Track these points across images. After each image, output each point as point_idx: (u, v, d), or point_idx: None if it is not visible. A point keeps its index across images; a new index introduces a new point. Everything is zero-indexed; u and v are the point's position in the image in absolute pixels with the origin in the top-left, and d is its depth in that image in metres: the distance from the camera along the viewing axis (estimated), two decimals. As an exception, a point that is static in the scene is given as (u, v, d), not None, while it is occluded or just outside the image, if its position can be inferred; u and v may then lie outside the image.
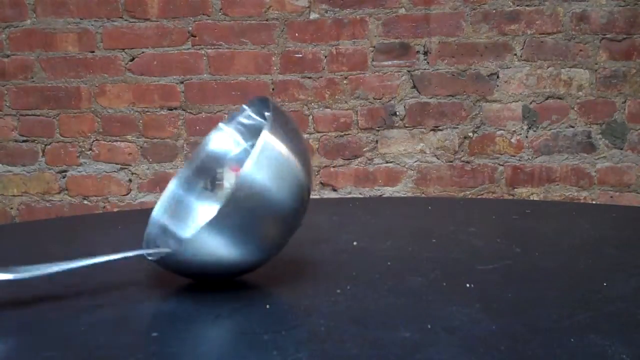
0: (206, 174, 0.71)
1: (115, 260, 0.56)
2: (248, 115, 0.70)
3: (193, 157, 0.72)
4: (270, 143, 0.55)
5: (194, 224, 0.68)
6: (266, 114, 0.59)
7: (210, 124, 1.81)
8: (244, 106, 0.70)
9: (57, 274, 0.54)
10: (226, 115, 1.84)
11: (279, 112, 0.58)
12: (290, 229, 0.59)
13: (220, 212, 0.52)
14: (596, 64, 1.83)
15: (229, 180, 0.70)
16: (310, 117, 1.88)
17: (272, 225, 0.57)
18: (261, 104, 0.67)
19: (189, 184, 0.70)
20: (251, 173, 0.53)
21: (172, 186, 0.70)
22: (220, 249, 0.54)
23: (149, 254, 0.57)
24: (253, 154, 0.53)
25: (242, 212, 0.54)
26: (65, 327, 0.50)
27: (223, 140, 0.71)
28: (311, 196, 0.61)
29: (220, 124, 0.71)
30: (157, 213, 0.67)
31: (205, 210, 0.69)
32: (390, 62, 1.86)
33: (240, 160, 0.69)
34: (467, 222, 0.86)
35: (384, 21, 1.84)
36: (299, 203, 0.57)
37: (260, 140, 0.54)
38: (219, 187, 0.70)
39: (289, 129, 0.59)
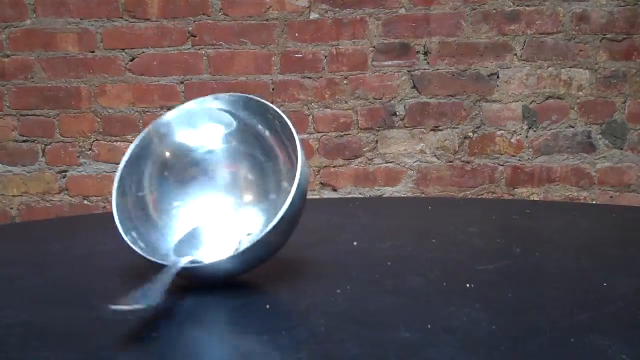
0: (179, 164, 0.69)
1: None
2: (211, 107, 0.68)
3: (151, 139, 0.68)
4: (304, 175, 0.57)
5: (184, 224, 0.67)
6: (296, 143, 0.59)
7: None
8: (211, 97, 0.68)
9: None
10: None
11: (297, 136, 0.60)
12: (290, 234, 0.60)
13: (260, 239, 0.55)
14: (596, 64, 1.83)
15: (221, 177, 0.69)
16: (310, 117, 1.88)
17: (284, 240, 0.59)
18: (230, 98, 0.67)
19: (151, 170, 0.68)
20: (289, 211, 0.55)
21: (124, 172, 0.66)
22: (239, 267, 0.57)
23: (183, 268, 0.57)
24: (294, 189, 0.55)
25: (273, 242, 0.57)
26: (65, 327, 0.50)
27: (188, 128, 0.69)
28: (311, 196, 0.62)
29: (181, 110, 0.69)
30: (117, 201, 0.63)
31: (188, 205, 0.68)
32: (390, 62, 1.86)
33: (227, 158, 0.69)
34: (467, 222, 0.86)
35: (384, 21, 1.84)
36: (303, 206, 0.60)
37: (297, 175, 0.56)
38: (202, 181, 0.69)
39: (303, 147, 0.60)
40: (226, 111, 0.68)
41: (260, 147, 0.67)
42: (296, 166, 0.57)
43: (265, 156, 0.67)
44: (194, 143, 0.69)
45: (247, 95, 0.66)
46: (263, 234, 0.54)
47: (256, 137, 0.67)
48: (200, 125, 0.69)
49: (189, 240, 0.64)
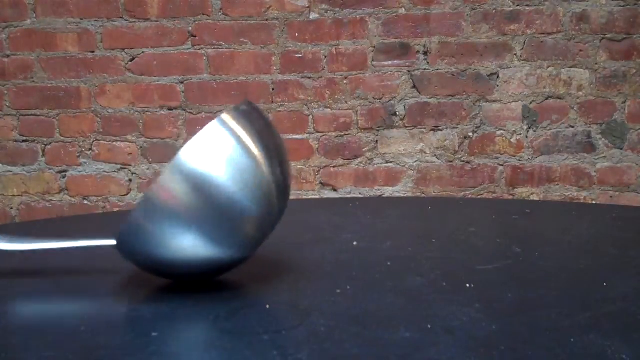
0: None
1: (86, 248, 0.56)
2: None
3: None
4: (224, 129, 0.53)
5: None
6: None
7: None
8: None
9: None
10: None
11: (251, 109, 0.58)
12: (258, 227, 0.56)
13: (150, 191, 0.51)
14: (596, 64, 1.83)
15: None
16: (310, 117, 1.88)
17: (222, 215, 0.54)
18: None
19: None
20: (189, 154, 0.52)
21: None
22: (164, 234, 0.53)
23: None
24: (198, 135, 0.52)
25: (180, 196, 0.52)
26: (65, 327, 0.50)
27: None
28: (312, 196, 0.61)
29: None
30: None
31: None
32: (390, 62, 1.86)
33: None
34: (467, 222, 0.86)
35: (384, 21, 1.84)
36: (262, 199, 0.55)
37: (212, 123, 0.53)
38: None
39: (258, 123, 0.57)
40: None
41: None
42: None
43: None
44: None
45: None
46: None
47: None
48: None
49: None
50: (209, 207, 0.53)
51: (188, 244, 0.54)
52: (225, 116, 0.55)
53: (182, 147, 0.52)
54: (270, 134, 0.59)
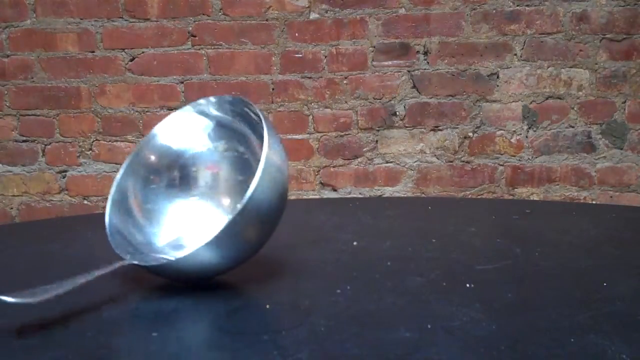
0: (165, 169, 0.69)
1: (109, 272, 0.55)
2: (202, 111, 0.68)
3: (141, 148, 0.68)
4: (271, 160, 0.55)
5: (172, 227, 0.67)
6: (264, 130, 0.57)
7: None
8: (201, 100, 0.67)
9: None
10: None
11: (269, 123, 0.59)
12: (272, 231, 0.60)
13: (224, 231, 0.53)
14: (596, 64, 1.83)
15: (207, 180, 0.70)
16: (310, 117, 1.88)
17: (262, 233, 0.58)
18: (221, 100, 0.67)
19: (136, 173, 0.68)
20: (257, 195, 0.54)
21: (123, 182, 0.67)
22: (212, 261, 0.55)
23: (145, 266, 0.57)
24: (257, 176, 0.53)
25: (245, 229, 0.55)
26: (67, 328, 0.50)
27: (176, 134, 0.69)
28: (312, 196, 0.62)
29: (172, 116, 0.69)
30: (109, 212, 0.64)
31: (177, 209, 0.68)
32: (390, 62, 1.86)
33: (213, 161, 0.69)
34: (467, 222, 0.86)
35: (384, 21, 1.84)
36: (283, 207, 0.59)
37: (262, 160, 0.54)
38: (190, 185, 0.69)
39: (277, 137, 0.59)
40: (209, 114, 0.68)
41: (245, 145, 0.67)
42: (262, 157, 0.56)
43: (251, 155, 0.67)
44: (178, 146, 0.69)
45: (225, 96, 0.66)
46: (225, 224, 0.53)
47: (239, 137, 0.67)
48: (185, 130, 0.69)
49: (175, 243, 0.65)
50: (261, 230, 0.57)
51: (225, 259, 0.56)
52: (269, 147, 0.56)
53: (250, 184, 0.54)
54: (279, 139, 0.60)
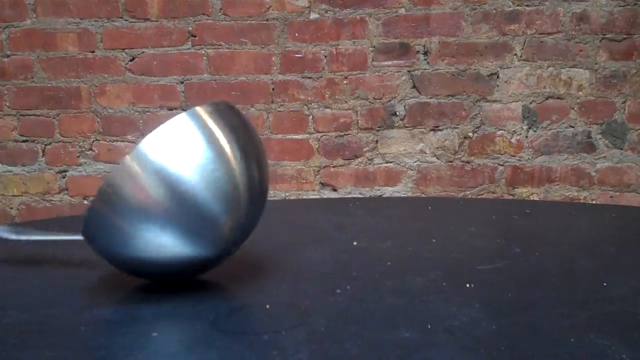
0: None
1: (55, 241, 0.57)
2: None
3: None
4: (192, 122, 0.53)
5: None
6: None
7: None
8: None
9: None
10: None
11: (227, 108, 0.57)
12: (237, 226, 0.55)
13: (102, 187, 0.51)
14: (596, 64, 1.83)
15: None
16: (310, 117, 1.88)
17: (189, 211, 0.53)
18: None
19: None
20: (148, 145, 0.51)
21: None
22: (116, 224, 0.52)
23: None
24: (159, 129, 0.51)
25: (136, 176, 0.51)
26: (65, 327, 0.50)
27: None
28: (312, 196, 0.61)
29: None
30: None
31: None
32: (390, 62, 1.86)
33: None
34: (467, 222, 0.86)
35: (384, 21, 1.84)
36: (229, 196, 0.54)
37: (180, 115, 0.52)
38: None
39: (232, 120, 0.56)
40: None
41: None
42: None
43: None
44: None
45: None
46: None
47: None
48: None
49: None
50: (170, 201, 0.51)
51: (154, 240, 0.52)
52: (196, 110, 0.54)
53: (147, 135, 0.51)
54: (247, 133, 0.57)
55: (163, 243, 0.53)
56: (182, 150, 0.52)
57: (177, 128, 0.52)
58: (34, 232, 0.62)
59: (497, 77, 1.85)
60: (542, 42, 1.83)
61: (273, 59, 1.87)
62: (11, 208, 1.95)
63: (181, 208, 0.52)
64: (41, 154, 1.93)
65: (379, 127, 1.88)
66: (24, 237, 0.61)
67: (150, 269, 0.55)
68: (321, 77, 1.86)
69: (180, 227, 0.52)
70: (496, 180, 1.88)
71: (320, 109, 1.88)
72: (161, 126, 0.52)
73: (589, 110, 1.85)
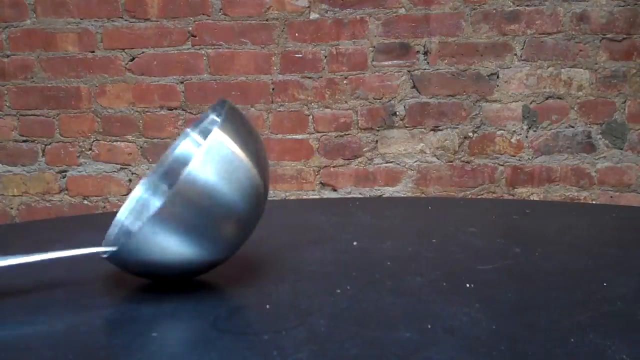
0: (171, 178, 0.71)
1: (68, 257, 0.56)
2: (212, 120, 0.70)
3: (160, 162, 0.72)
4: (220, 141, 0.54)
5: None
6: (216, 116, 0.58)
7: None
8: (208, 111, 0.70)
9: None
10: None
11: (234, 112, 0.58)
12: (243, 228, 0.58)
13: (163, 207, 0.52)
14: (596, 64, 1.83)
15: None
16: (310, 117, 1.88)
17: (221, 223, 0.56)
18: (222, 107, 0.67)
19: (155, 188, 0.71)
20: (196, 170, 0.53)
21: (138, 191, 0.71)
22: (166, 245, 0.53)
23: (102, 252, 0.57)
24: (200, 150, 0.53)
25: (187, 207, 0.53)
26: (65, 327, 0.50)
27: (189, 145, 0.72)
28: (312, 196, 0.61)
29: (187, 130, 0.72)
30: (122, 215, 0.68)
31: None
32: (390, 62, 1.86)
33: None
34: (467, 222, 0.86)
35: (384, 21, 1.84)
36: (251, 203, 0.57)
37: (210, 137, 0.54)
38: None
39: (242, 129, 0.58)
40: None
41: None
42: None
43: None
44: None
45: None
46: (163, 201, 0.53)
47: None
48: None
49: None
50: (206, 216, 0.54)
51: (161, 243, 0.54)
52: (220, 127, 0.55)
53: (186, 166, 0.53)
54: (253, 134, 0.60)
55: (167, 245, 0.53)
56: (220, 170, 0.55)
57: (212, 148, 0.54)
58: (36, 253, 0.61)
59: (497, 77, 1.85)
60: (542, 42, 1.83)
61: (273, 59, 1.87)
62: (11, 208, 1.95)
63: (198, 216, 0.54)
64: (41, 154, 1.93)
65: (379, 127, 1.88)
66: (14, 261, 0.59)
67: (152, 270, 0.56)
68: (321, 77, 1.86)
69: (187, 230, 0.53)
70: (496, 180, 1.88)
71: (320, 109, 1.88)
72: (201, 149, 0.53)
73: (589, 110, 1.85)
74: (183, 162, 0.71)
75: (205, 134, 0.70)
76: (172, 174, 0.71)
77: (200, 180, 0.53)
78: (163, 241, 0.53)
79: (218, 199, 0.54)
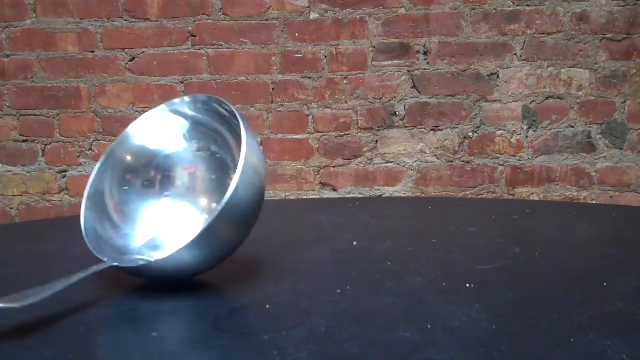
0: (141, 168, 0.68)
1: (88, 277, 0.55)
2: (177, 110, 0.68)
3: (116, 147, 0.67)
4: (250, 161, 0.55)
5: (148, 228, 0.67)
6: (241, 128, 0.57)
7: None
8: (176, 99, 0.67)
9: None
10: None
11: (246, 123, 0.58)
12: (249, 230, 0.60)
13: (203, 232, 0.53)
14: (596, 64, 1.83)
15: (182, 180, 0.70)
16: (310, 117, 1.88)
17: (239, 233, 0.58)
18: (196, 99, 0.66)
19: (117, 178, 0.67)
20: (236, 196, 0.53)
21: (95, 182, 0.66)
22: (191, 262, 0.55)
23: (124, 268, 0.57)
24: (236, 177, 0.54)
25: (223, 230, 0.55)
26: (64, 327, 0.50)
27: (151, 134, 0.69)
28: (312, 196, 0.62)
29: (146, 115, 0.69)
30: (87, 214, 0.64)
31: (152, 209, 0.68)
32: (390, 62, 1.86)
33: (189, 160, 0.69)
34: (467, 222, 0.86)
35: (384, 21, 1.84)
36: (260, 206, 0.59)
37: (241, 161, 0.54)
38: (165, 184, 0.69)
39: (254, 136, 0.59)
40: (183, 114, 0.68)
41: (219, 144, 0.67)
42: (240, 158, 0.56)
43: (226, 153, 0.67)
44: (154, 146, 0.69)
45: (200, 95, 0.66)
46: (204, 225, 0.53)
47: (214, 135, 0.67)
48: (159, 130, 0.69)
49: (151, 244, 0.65)
50: (239, 232, 0.57)
51: (202, 258, 0.55)
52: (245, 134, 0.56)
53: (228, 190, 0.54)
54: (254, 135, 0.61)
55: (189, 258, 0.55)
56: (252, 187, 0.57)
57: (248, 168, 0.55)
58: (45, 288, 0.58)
59: (497, 77, 1.85)
60: (542, 42, 1.83)
61: (273, 59, 1.87)
62: (11, 208, 1.95)
63: (233, 232, 0.57)
64: (41, 154, 1.93)
65: (379, 127, 1.88)
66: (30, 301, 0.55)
67: (152, 270, 0.56)
68: (321, 77, 1.86)
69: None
70: (496, 180, 1.88)
71: (320, 109, 1.88)
72: (236, 174, 0.54)
73: (589, 110, 1.85)
74: (151, 154, 0.68)
75: (171, 122, 0.68)
76: (138, 166, 0.68)
77: (243, 203, 0.55)
78: (190, 259, 0.55)
79: (248, 217, 0.57)
